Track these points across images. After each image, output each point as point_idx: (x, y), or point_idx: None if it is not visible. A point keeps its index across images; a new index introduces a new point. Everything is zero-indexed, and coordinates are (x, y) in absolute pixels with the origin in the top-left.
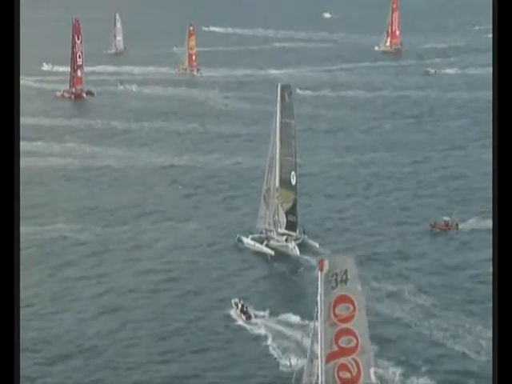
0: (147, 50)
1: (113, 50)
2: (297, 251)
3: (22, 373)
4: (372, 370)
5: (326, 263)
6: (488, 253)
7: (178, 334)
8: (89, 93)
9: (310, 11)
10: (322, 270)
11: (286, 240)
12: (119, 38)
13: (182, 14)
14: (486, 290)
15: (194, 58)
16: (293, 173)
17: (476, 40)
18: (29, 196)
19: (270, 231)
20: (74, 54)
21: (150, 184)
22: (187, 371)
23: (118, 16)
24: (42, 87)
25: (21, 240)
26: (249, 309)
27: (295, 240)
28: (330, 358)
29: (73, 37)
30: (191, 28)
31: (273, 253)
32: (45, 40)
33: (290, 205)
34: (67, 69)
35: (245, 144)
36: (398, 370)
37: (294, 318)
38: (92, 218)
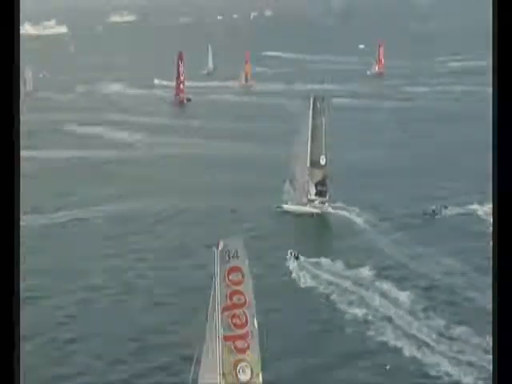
0: (231, 71)
1: (205, 71)
2: (331, 210)
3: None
4: (255, 320)
5: (221, 243)
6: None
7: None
8: (188, 100)
9: (347, 44)
10: (218, 247)
11: (320, 203)
12: (210, 61)
13: (256, 42)
14: None
15: (248, 75)
16: (322, 156)
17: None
18: (153, 177)
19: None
20: (178, 73)
21: (242, 168)
22: None
23: (210, 47)
24: (157, 95)
25: (144, 208)
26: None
27: (324, 203)
28: (225, 309)
29: (177, 61)
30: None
31: (320, 211)
32: (154, 64)
33: (319, 179)
34: (170, 83)
35: None
36: None
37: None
38: (200, 192)
